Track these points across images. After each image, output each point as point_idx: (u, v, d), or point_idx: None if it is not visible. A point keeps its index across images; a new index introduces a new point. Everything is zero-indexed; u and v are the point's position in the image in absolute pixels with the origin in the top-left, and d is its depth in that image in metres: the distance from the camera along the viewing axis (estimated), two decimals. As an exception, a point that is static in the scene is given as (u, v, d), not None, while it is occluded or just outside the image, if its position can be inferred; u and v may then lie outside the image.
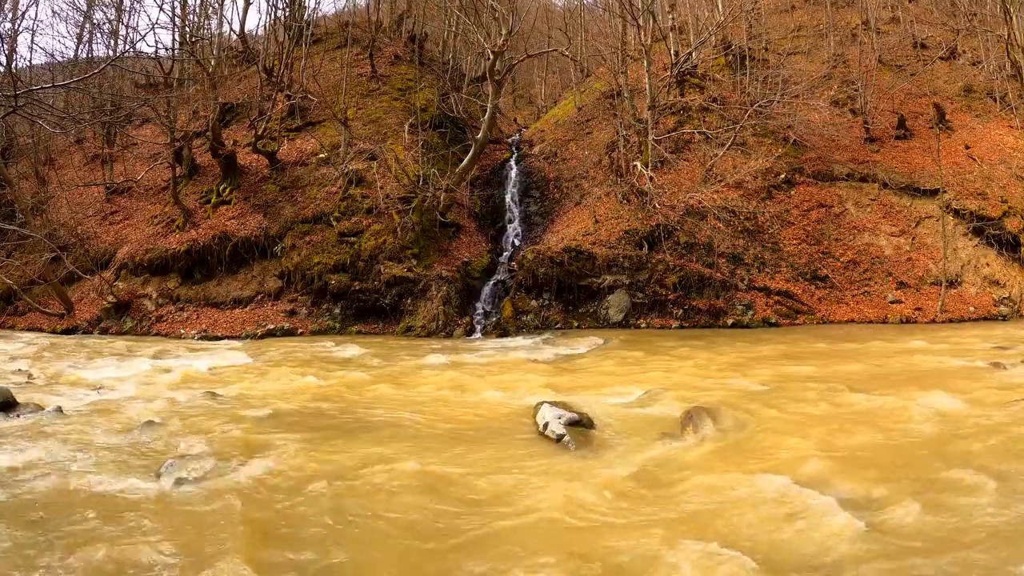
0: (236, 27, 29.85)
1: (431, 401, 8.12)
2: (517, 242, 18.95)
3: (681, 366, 10.28)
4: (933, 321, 15.28)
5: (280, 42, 24.11)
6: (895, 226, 17.65)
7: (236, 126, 22.75)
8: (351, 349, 13.24)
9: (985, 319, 15.31)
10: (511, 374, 9.94)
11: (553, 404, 6.59)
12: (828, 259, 16.99)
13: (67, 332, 17.16)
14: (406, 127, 19.83)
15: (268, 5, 43.38)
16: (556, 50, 25.95)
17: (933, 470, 4.69)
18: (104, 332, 17.14)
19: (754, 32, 23.40)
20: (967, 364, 9.14)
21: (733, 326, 15.38)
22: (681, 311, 15.81)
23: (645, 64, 18.94)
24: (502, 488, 4.84)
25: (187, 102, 24.79)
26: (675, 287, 15.89)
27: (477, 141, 18.64)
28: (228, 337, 15.88)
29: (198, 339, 15.83)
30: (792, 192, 18.25)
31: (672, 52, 21.50)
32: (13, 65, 20.45)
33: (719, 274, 16.04)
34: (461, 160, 19.15)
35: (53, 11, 57.25)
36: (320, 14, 29.77)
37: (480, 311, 16.49)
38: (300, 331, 16.22)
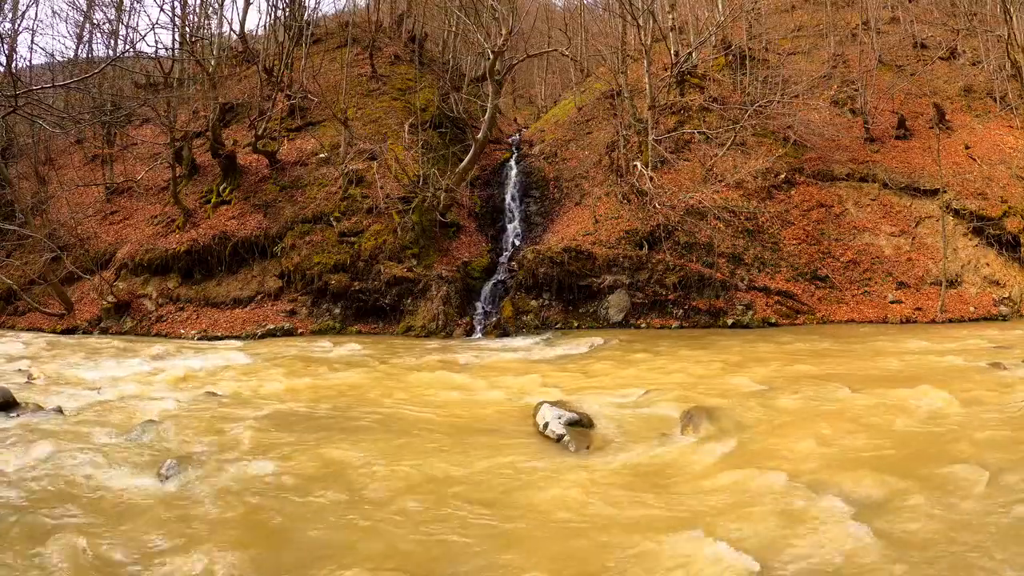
0: (236, 27, 29.83)
1: (430, 401, 8.13)
2: (517, 242, 18.94)
3: (681, 366, 10.28)
4: (933, 321, 15.28)
5: (280, 42, 24.11)
6: (895, 226, 17.65)
7: (236, 126, 22.74)
8: (351, 349, 13.24)
9: (985, 319, 15.31)
10: (511, 374, 9.94)
11: (553, 404, 6.60)
12: (828, 259, 16.99)
13: (67, 332, 17.16)
14: (406, 127, 19.82)
15: (268, 5, 43.36)
16: (556, 50, 25.92)
17: (933, 470, 4.69)
18: (104, 332, 17.14)
19: (754, 32, 23.38)
20: (967, 364, 9.14)
21: (733, 326, 15.38)
22: (681, 311, 15.80)
23: (645, 64, 18.93)
24: (502, 488, 4.84)
25: (187, 102, 24.79)
26: (675, 287, 15.89)
27: (477, 141, 18.64)
28: (228, 337, 15.88)
29: (198, 339, 15.83)
30: (792, 192, 18.25)
31: (672, 52, 21.49)
32: (13, 65, 20.49)
33: (719, 274, 16.04)
34: (461, 160, 19.14)
35: (53, 11, 57.46)
36: (320, 14, 29.74)
37: (480, 311, 16.49)
38: (300, 331, 16.22)
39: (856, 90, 20.44)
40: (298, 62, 23.08)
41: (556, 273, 16.13)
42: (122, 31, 27.89)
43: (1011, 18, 19.35)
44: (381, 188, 17.69)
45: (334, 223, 17.74)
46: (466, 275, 17.05)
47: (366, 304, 16.56)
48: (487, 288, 17.03)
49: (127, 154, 23.80)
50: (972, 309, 15.68)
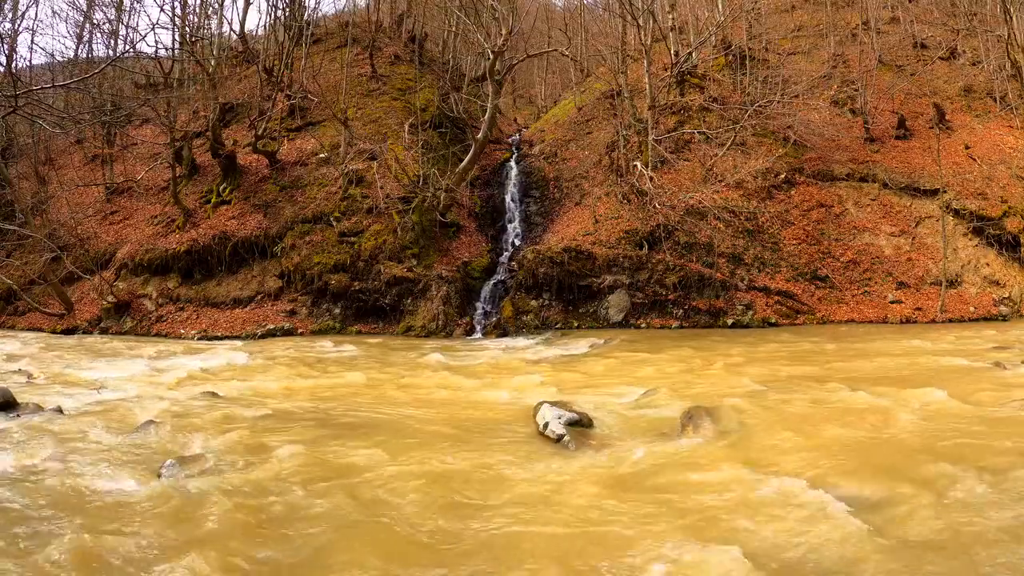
0: (236, 27, 29.83)
1: (430, 401, 8.12)
2: (517, 242, 18.94)
3: (681, 366, 10.28)
4: (933, 321, 15.27)
5: (280, 42, 24.11)
6: (895, 226, 17.65)
7: (236, 126, 22.74)
8: (351, 349, 13.24)
9: (985, 319, 15.31)
10: (511, 374, 9.94)
11: (553, 404, 6.59)
12: (828, 259, 16.99)
13: (67, 332, 17.16)
14: (406, 127, 19.82)
15: (268, 5, 43.38)
16: (556, 50, 25.92)
17: (934, 469, 4.68)
18: (104, 332, 17.14)
19: (754, 32, 23.38)
20: (967, 364, 9.14)
21: (733, 326, 15.37)
22: (681, 311, 15.80)
23: (645, 64, 18.94)
24: (501, 488, 4.83)
25: (187, 102, 24.80)
26: (675, 287, 15.89)
27: (477, 141, 18.63)
28: (228, 337, 15.88)
29: (198, 339, 15.83)
30: (792, 192, 18.25)
31: (672, 52, 21.49)
32: (13, 65, 20.49)
33: (719, 274, 16.04)
34: (461, 160, 19.15)
35: (53, 11, 57.48)
36: (320, 14, 29.75)
37: (480, 311, 16.49)
38: (300, 331, 16.22)
39: (856, 90, 20.44)
40: (298, 62, 23.09)
41: (556, 273, 16.13)
42: (122, 31, 27.94)
43: (1011, 18, 19.36)
44: (381, 188, 17.69)
45: (334, 223, 17.74)
46: (466, 275, 17.05)
47: (366, 304, 16.56)
48: (487, 288, 17.03)
49: (127, 154, 23.81)
50: (972, 309, 15.67)
